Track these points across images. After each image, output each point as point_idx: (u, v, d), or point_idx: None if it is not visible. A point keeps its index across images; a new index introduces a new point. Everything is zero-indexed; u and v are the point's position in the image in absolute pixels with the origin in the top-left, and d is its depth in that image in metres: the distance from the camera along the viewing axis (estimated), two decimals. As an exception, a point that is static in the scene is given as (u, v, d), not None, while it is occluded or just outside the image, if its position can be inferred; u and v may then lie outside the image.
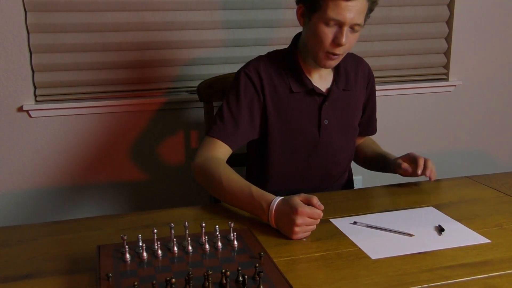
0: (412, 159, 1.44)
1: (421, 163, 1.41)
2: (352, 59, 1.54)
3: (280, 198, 1.17)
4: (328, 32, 1.32)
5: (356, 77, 1.53)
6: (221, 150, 1.39)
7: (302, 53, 1.45)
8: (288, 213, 1.12)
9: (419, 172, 1.40)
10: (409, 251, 1.08)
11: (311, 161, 1.50)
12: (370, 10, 1.36)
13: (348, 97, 1.50)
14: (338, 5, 1.28)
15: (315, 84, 1.45)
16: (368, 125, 1.66)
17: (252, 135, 1.46)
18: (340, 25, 1.31)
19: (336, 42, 1.32)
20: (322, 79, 1.47)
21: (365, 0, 1.31)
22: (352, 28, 1.33)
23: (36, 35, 1.88)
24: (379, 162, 1.60)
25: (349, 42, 1.34)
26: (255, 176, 1.57)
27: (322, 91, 1.45)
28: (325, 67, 1.40)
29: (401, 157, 1.48)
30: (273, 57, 1.48)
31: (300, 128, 1.46)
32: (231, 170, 1.30)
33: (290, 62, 1.45)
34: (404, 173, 1.45)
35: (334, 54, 1.35)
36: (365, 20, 1.37)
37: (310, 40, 1.38)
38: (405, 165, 1.43)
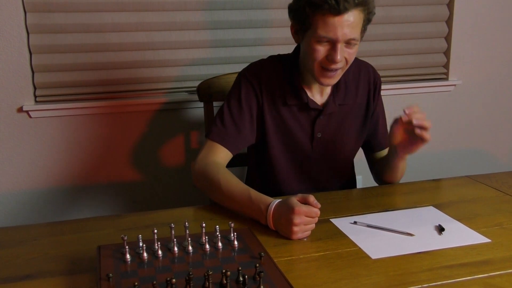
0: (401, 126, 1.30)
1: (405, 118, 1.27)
2: (355, 67, 1.47)
3: (278, 200, 1.17)
4: (322, 50, 1.27)
5: (357, 87, 1.48)
6: (222, 155, 1.38)
7: (302, 69, 1.41)
8: (286, 214, 1.11)
9: (406, 118, 1.27)
10: (409, 250, 1.08)
11: (306, 169, 1.50)
12: (367, 21, 1.30)
13: (345, 110, 1.47)
14: (328, 22, 1.22)
15: (312, 97, 1.42)
16: (373, 138, 1.56)
17: (252, 139, 1.45)
18: (333, 42, 1.26)
19: (330, 60, 1.27)
20: (320, 93, 1.44)
21: (358, 11, 1.24)
22: (347, 44, 1.27)
23: (36, 35, 1.88)
24: (384, 157, 1.51)
25: (347, 57, 1.29)
26: (256, 177, 1.57)
27: (317, 105, 1.42)
28: (322, 84, 1.35)
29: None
30: (274, 63, 1.45)
31: (293, 138, 1.45)
32: (231, 174, 1.30)
33: (289, 72, 1.42)
34: (398, 131, 1.32)
35: (330, 70, 1.30)
36: (363, 33, 1.31)
37: (306, 57, 1.34)
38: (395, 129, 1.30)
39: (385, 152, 1.58)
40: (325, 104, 1.43)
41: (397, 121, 1.30)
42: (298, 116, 1.44)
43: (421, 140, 1.29)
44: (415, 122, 1.25)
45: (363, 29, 1.31)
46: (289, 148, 1.47)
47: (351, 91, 1.46)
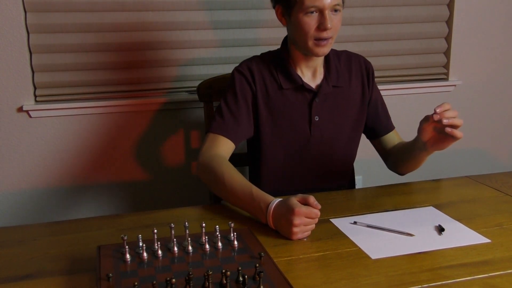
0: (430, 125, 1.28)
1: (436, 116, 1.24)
2: (346, 57, 1.54)
3: (278, 199, 1.17)
4: (311, 21, 1.34)
5: (350, 74, 1.52)
6: (224, 148, 1.39)
7: (291, 52, 1.46)
8: (286, 214, 1.12)
9: (436, 117, 1.24)
10: (409, 251, 1.08)
11: (304, 158, 1.51)
12: None
13: (340, 94, 1.50)
14: None
15: (305, 81, 1.46)
16: (376, 123, 1.58)
17: (250, 131, 1.47)
18: (320, 10, 1.32)
19: (321, 28, 1.33)
20: (313, 77, 1.48)
21: None
22: (334, 10, 1.34)
23: (36, 35, 1.88)
24: (406, 148, 1.47)
25: (335, 24, 1.35)
26: (254, 175, 1.57)
27: (312, 87, 1.46)
28: (318, 55, 1.40)
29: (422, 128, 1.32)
30: (265, 56, 1.51)
31: (291, 124, 1.47)
32: (234, 169, 1.31)
33: (281, 60, 1.47)
34: (428, 129, 1.30)
35: (323, 39, 1.35)
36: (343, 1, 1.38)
37: (297, 34, 1.39)
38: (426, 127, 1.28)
39: (392, 136, 1.59)
40: (320, 86, 1.47)
41: (427, 118, 1.28)
42: (294, 100, 1.46)
43: (452, 137, 1.26)
44: (445, 121, 1.23)
45: None
46: (287, 139, 1.48)
47: (343, 75, 1.50)
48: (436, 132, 1.30)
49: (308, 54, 1.41)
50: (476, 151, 2.54)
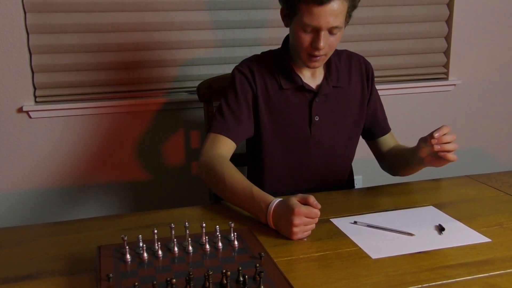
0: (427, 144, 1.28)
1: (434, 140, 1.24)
2: (347, 57, 1.54)
3: (278, 199, 1.17)
4: (306, 37, 1.33)
5: (350, 74, 1.52)
6: (225, 147, 1.39)
7: (291, 52, 1.46)
8: (286, 214, 1.12)
9: (433, 141, 1.25)
10: (410, 250, 1.08)
11: (304, 158, 1.51)
12: (352, 7, 1.35)
13: (340, 94, 1.50)
14: (312, 11, 1.28)
15: (305, 81, 1.46)
16: (374, 124, 1.58)
17: (251, 130, 1.47)
18: (317, 30, 1.31)
19: (314, 46, 1.33)
20: (313, 77, 1.48)
21: (341, 1, 1.28)
22: (331, 31, 1.32)
23: (36, 35, 1.88)
24: (405, 155, 1.47)
25: (330, 43, 1.34)
26: (253, 175, 1.57)
27: (312, 87, 1.46)
28: (309, 67, 1.41)
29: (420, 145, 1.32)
30: (266, 55, 1.51)
31: (291, 124, 1.47)
32: (235, 169, 1.31)
33: (281, 60, 1.47)
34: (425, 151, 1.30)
35: (315, 56, 1.35)
36: (348, 19, 1.36)
37: (292, 42, 1.40)
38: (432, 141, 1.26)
39: (388, 138, 1.60)
40: (320, 86, 1.47)
41: (425, 139, 1.29)
42: (294, 100, 1.46)
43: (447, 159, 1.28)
44: (437, 148, 1.24)
45: (348, 16, 1.36)
46: (287, 139, 1.48)
47: (343, 76, 1.50)
48: (432, 153, 1.30)
49: (302, 65, 1.43)
50: (476, 151, 2.54)
